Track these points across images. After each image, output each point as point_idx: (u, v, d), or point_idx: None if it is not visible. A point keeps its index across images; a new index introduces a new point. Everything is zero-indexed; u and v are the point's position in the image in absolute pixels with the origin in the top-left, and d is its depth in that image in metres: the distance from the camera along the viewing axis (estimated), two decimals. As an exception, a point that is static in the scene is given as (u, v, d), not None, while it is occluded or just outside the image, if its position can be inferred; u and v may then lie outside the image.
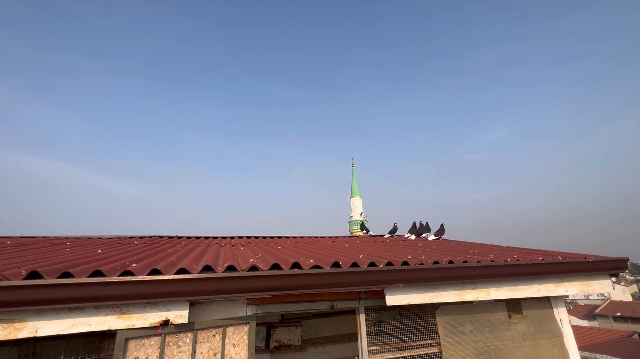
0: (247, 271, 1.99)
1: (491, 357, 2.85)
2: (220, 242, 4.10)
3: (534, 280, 2.87)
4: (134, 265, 1.98)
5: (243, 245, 3.85)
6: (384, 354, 2.56)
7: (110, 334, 2.18)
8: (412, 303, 2.39)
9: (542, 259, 2.89)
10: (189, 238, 4.44)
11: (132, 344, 1.83)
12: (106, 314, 1.78)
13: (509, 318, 3.07)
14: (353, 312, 2.91)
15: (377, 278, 2.22)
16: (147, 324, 1.84)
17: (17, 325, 1.64)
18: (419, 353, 2.66)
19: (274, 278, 2.00)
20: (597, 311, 35.93)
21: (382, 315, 2.67)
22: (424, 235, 5.57)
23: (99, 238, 4.07)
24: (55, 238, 4.03)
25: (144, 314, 1.85)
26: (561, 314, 3.28)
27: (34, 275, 1.69)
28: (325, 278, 2.09)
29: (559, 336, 3.18)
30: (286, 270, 2.05)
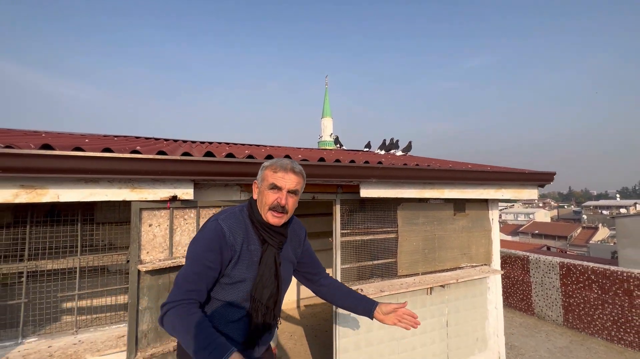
0: (245, 158, 2.24)
1: (435, 242, 3.58)
2: (208, 145, 4.23)
3: (479, 186, 3.47)
4: (138, 147, 2.12)
5: (232, 144, 4.03)
6: (352, 236, 3.13)
7: (125, 206, 2.45)
8: (381, 197, 2.86)
9: (489, 169, 3.44)
10: (175, 141, 4.48)
11: (145, 214, 2.10)
12: (120, 188, 2.00)
13: (454, 215, 3.76)
14: (327, 215, 3.38)
15: (355, 172, 2.59)
16: (157, 198, 2.09)
17: (39, 191, 1.81)
18: (380, 237, 3.28)
19: None
20: (520, 229, 42.56)
21: (353, 207, 3.17)
22: (392, 151, 6.05)
23: (82, 134, 3.99)
24: (22, 131, 3.88)
25: (154, 189, 2.09)
26: (494, 214, 4.06)
27: (46, 147, 1.80)
28: (312, 169, 2.41)
29: (488, 230, 4.01)
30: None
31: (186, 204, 2.26)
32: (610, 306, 4.43)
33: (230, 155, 2.24)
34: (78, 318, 2.20)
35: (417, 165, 2.93)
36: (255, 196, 1.32)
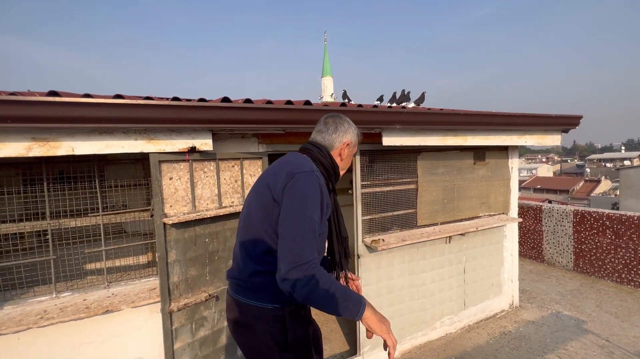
0: (264, 104, 2.09)
1: (454, 192, 3.53)
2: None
3: (502, 132, 3.32)
4: (152, 94, 1.97)
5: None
6: (372, 188, 3.06)
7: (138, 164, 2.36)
8: (404, 145, 2.73)
9: (514, 113, 3.27)
10: (188, 100, 4.27)
11: (164, 167, 2.01)
12: (136, 139, 1.88)
13: (474, 164, 3.66)
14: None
15: (379, 118, 2.45)
16: (175, 149, 1.99)
17: (52, 144, 1.70)
18: (400, 188, 3.21)
19: (290, 111, 2.14)
20: (523, 184, 42.80)
21: (373, 158, 3.06)
22: (404, 103, 5.81)
23: (85, 94, 3.77)
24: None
25: (171, 140, 1.97)
26: (513, 163, 3.96)
27: (52, 94, 1.66)
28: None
29: (507, 179, 3.93)
30: (300, 105, 2.17)
31: (205, 156, 2.16)
32: (623, 250, 4.48)
33: (248, 101, 2.09)
34: (107, 275, 2.21)
35: (441, 109, 2.77)
36: (341, 154, 1.38)
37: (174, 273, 2.05)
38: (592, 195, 34.10)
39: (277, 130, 2.28)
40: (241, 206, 2.31)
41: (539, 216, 5.57)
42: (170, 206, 2.05)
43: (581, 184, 40.99)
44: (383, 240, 2.96)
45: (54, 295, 2.03)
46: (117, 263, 2.34)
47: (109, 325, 2.04)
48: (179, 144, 1.99)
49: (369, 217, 3.06)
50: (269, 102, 2.14)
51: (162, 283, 1.99)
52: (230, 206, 2.33)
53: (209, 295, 2.19)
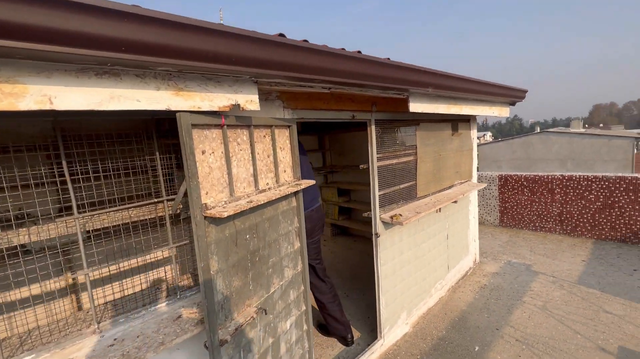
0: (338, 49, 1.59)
1: (440, 162, 3.62)
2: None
3: (483, 102, 3.54)
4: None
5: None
6: (384, 161, 2.85)
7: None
8: (425, 112, 2.59)
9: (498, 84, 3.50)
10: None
11: (196, 134, 1.33)
12: (157, 89, 1.16)
13: (452, 135, 3.83)
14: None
15: (420, 78, 2.21)
16: (215, 108, 1.33)
17: (5, 87, 0.88)
18: (404, 160, 3.10)
19: (363, 62, 1.70)
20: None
21: (384, 128, 2.84)
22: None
23: None
24: None
25: (208, 93, 1.30)
26: (474, 134, 4.33)
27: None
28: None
29: (471, 149, 4.28)
30: (374, 58, 1.76)
31: (241, 121, 1.55)
32: (537, 204, 5.53)
33: (305, 41, 1.55)
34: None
35: (468, 77, 2.72)
36: None
37: (218, 289, 1.43)
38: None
39: (340, 88, 1.82)
40: (276, 189, 1.79)
41: (470, 183, 6.39)
42: (206, 192, 1.39)
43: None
44: (401, 215, 2.81)
45: None
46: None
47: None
48: (218, 100, 1.34)
49: (384, 192, 2.85)
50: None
51: (209, 305, 1.35)
52: (268, 189, 1.77)
53: (258, 309, 1.63)
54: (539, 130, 25.38)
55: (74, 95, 0.99)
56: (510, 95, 3.78)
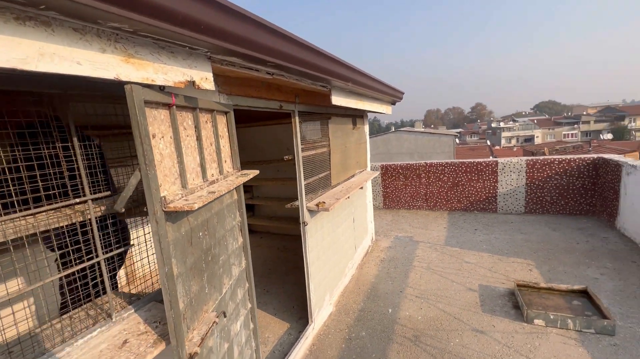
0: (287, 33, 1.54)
1: (345, 153, 4.00)
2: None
3: (377, 101, 4.08)
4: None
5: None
6: (307, 152, 2.95)
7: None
8: (343, 105, 2.82)
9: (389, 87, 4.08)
10: None
11: (147, 114, 1.08)
12: (103, 50, 0.89)
13: (352, 129, 4.27)
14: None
15: (343, 72, 2.39)
16: (170, 82, 1.11)
17: None
18: (321, 151, 3.28)
19: (309, 50, 1.71)
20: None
21: (304, 121, 2.93)
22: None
23: None
24: None
25: (161, 65, 1.08)
26: (366, 129, 4.94)
27: None
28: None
29: (365, 142, 4.86)
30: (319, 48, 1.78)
31: (189, 102, 1.35)
32: (410, 187, 6.75)
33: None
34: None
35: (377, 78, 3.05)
36: None
37: (179, 296, 1.22)
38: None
39: (281, 74, 1.76)
40: (223, 181, 1.65)
41: (358, 173, 7.23)
42: (160, 184, 1.16)
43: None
44: (324, 202, 2.98)
45: None
46: None
47: None
48: (173, 74, 1.14)
49: (308, 181, 2.95)
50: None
51: (175, 317, 1.14)
52: (215, 180, 1.59)
53: (217, 313, 1.47)
54: (393, 130, 30.58)
55: (-13, 44, 0.68)
56: (394, 95, 4.48)
